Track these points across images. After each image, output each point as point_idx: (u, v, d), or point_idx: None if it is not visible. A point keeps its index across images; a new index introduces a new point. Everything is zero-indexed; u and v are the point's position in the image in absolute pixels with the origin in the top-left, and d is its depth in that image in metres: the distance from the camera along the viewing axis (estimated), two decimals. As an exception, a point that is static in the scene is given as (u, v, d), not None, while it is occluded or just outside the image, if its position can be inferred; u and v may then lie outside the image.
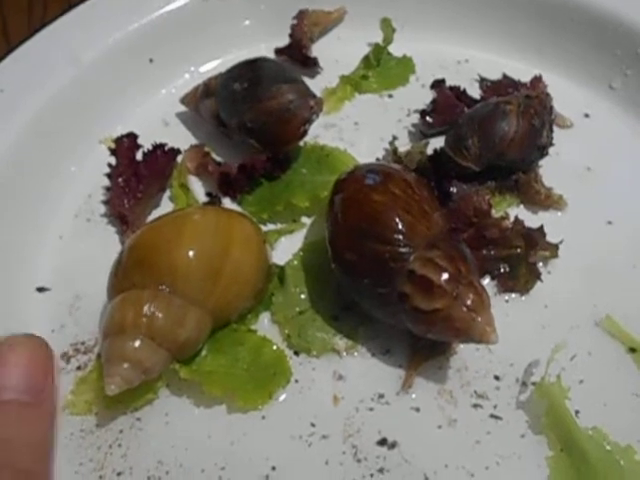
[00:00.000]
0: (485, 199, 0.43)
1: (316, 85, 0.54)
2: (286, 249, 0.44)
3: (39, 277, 0.44)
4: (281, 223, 0.47)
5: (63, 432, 0.37)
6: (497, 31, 0.57)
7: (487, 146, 0.45)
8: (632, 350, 0.40)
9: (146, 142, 0.48)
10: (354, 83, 0.55)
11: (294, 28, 0.56)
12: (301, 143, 0.48)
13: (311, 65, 0.56)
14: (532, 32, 0.56)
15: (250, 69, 0.48)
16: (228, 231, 0.39)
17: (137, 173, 0.46)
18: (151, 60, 0.55)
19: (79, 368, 0.40)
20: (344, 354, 0.40)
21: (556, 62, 0.55)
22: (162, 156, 0.48)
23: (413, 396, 0.39)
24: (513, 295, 0.43)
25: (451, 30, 0.58)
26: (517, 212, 0.46)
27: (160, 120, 0.53)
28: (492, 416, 0.38)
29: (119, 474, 0.36)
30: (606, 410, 0.38)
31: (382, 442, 0.37)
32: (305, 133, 0.46)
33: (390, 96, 0.55)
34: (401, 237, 0.37)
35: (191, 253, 0.37)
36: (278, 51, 0.57)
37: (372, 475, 0.36)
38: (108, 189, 0.48)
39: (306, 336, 0.41)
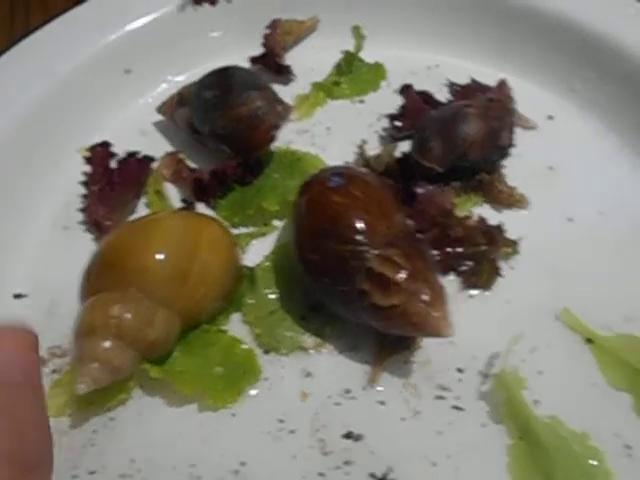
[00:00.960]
0: (448, 199, 0.45)
1: (290, 92, 0.55)
2: (258, 251, 0.45)
3: (16, 284, 0.45)
4: (253, 227, 0.47)
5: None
6: (466, 37, 0.58)
7: (450, 148, 0.46)
8: (589, 341, 0.41)
9: (123, 151, 0.49)
10: (326, 89, 0.56)
11: (267, 37, 0.58)
12: (273, 148, 0.49)
13: (285, 73, 0.58)
14: (499, 38, 0.58)
15: (222, 77, 0.49)
16: (196, 234, 0.40)
17: (111, 181, 0.47)
18: (128, 71, 0.56)
19: (55, 371, 0.41)
20: (312, 352, 0.41)
21: (521, 67, 0.57)
22: (136, 164, 0.49)
23: (379, 389, 0.40)
24: (477, 291, 0.44)
25: (421, 37, 0.59)
26: (481, 211, 0.47)
27: (137, 129, 0.54)
28: (454, 407, 0.39)
29: (92, 473, 0.37)
30: (564, 399, 0.39)
31: (348, 435, 0.38)
32: (274, 138, 0.47)
33: (362, 102, 0.56)
34: (361, 237, 0.38)
35: (159, 255, 0.38)
36: (253, 60, 0.58)
37: (338, 467, 0.37)
38: (85, 197, 0.48)
39: (276, 335, 0.42)
